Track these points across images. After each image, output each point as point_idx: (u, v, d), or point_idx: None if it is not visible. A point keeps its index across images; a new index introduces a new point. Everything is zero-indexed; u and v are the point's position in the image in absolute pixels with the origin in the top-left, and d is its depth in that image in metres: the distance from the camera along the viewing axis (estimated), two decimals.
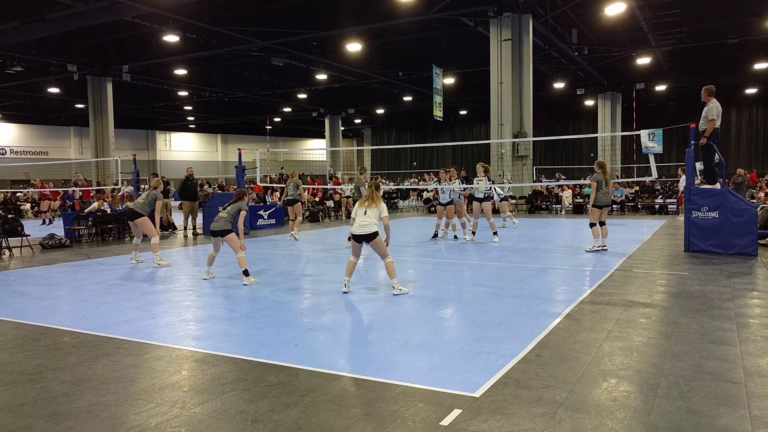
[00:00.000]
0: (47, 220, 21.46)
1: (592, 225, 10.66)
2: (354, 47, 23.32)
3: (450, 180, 13.01)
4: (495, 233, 12.58)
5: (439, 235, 13.30)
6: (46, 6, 18.51)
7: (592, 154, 34.84)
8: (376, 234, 7.15)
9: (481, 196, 12.56)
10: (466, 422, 3.41)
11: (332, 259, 10.60)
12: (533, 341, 5.00)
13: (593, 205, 10.61)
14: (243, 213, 8.56)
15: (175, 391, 4.02)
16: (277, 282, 8.28)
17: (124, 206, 16.39)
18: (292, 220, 14.14)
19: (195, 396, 3.92)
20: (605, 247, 10.71)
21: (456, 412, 3.55)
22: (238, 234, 8.46)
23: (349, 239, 11.52)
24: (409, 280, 8.30)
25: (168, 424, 3.47)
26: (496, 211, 15.66)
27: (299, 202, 14.05)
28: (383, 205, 7.40)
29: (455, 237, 13.07)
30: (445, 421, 3.42)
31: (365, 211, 7.28)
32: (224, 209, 8.53)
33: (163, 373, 4.40)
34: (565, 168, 36.84)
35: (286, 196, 14.12)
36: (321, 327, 5.67)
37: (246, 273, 8.26)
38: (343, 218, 20.98)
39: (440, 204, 13.18)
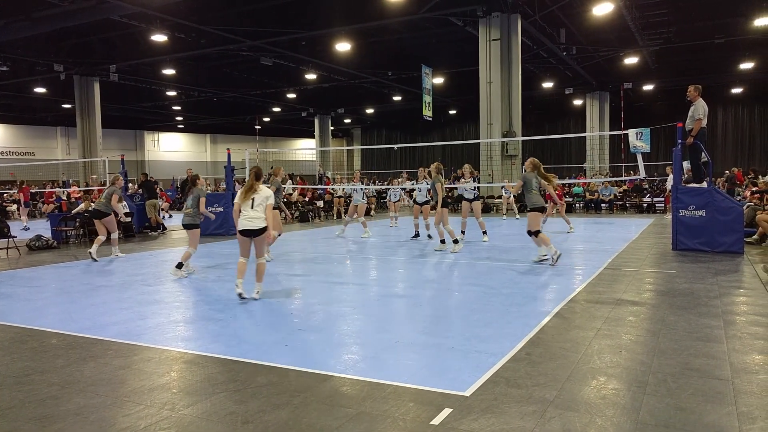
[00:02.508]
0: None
1: (536, 233, 9.10)
2: (343, 47, 23.29)
3: (357, 181, 13.68)
4: (485, 232, 12.60)
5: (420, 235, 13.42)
6: (32, 5, 18.32)
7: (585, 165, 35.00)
8: (265, 229, 6.80)
9: (470, 196, 12.62)
10: (457, 421, 3.42)
11: (322, 259, 10.58)
12: (523, 340, 5.02)
13: (531, 209, 9.15)
14: (202, 200, 8.76)
15: (164, 392, 4.00)
16: (267, 282, 8.25)
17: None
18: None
19: (185, 397, 3.90)
20: (547, 257, 9.24)
21: (446, 411, 3.55)
22: (201, 223, 8.82)
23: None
24: (399, 280, 8.30)
25: (157, 426, 3.45)
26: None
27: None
28: (266, 192, 6.87)
29: (429, 236, 13.14)
30: (436, 421, 3.43)
31: (252, 204, 6.73)
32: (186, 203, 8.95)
33: (152, 375, 4.37)
34: (554, 167, 37.05)
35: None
36: (311, 327, 5.65)
37: (179, 266, 8.61)
38: (334, 218, 20.98)
39: (416, 203, 13.39)
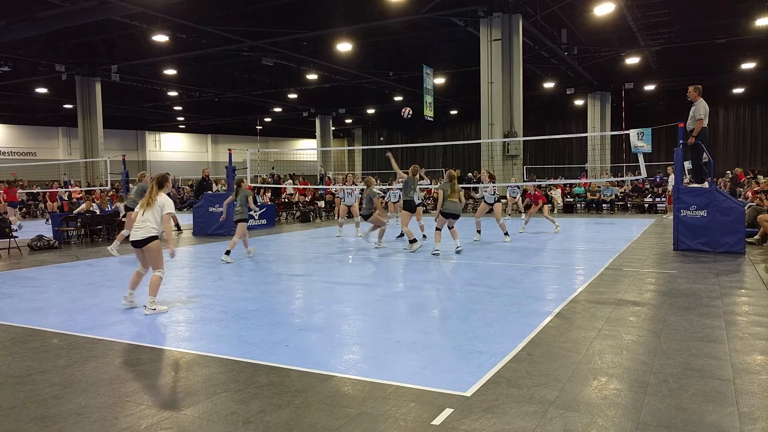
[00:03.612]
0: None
1: (436, 229, 10.81)
2: (344, 47, 23.30)
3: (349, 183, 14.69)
4: (506, 234, 12.75)
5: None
6: (34, 5, 18.35)
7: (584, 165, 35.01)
8: (151, 239, 6.35)
9: (491, 200, 13.13)
10: (458, 421, 3.42)
11: (323, 259, 10.59)
12: (524, 340, 5.02)
13: (440, 212, 10.62)
14: (249, 198, 10.54)
15: (165, 392, 4.00)
16: (268, 282, 8.27)
17: (113, 206, 16.31)
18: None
19: (186, 397, 3.91)
20: (454, 249, 10.79)
21: (447, 411, 3.55)
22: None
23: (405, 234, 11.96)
24: (400, 280, 8.30)
25: (159, 426, 3.45)
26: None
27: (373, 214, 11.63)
28: (162, 200, 6.49)
29: (424, 236, 13.23)
30: (437, 421, 3.43)
31: (143, 212, 6.44)
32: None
33: (153, 375, 4.37)
34: (555, 168, 37.06)
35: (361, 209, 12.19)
36: (312, 327, 5.66)
37: (227, 252, 10.24)
38: (336, 218, 20.95)
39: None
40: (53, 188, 24.31)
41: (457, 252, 10.71)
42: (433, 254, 10.50)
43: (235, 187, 10.79)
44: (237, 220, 10.51)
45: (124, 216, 14.87)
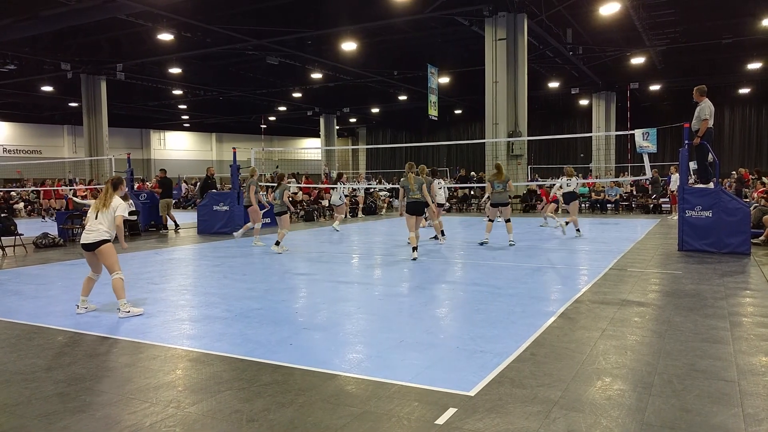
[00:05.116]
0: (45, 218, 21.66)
1: (490, 220, 12.14)
2: (349, 46, 23.29)
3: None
4: (578, 230, 13.24)
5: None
6: (39, 4, 18.38)
7: (582, 155, 35.02)
8: (103, 242, 6.19)
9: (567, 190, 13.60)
10: (461, 421, 3.42)
11: (327, 257, 10.60)
12: (528, 340, 5.01)
13: (491, 203, 11.99)
14: (286, 192, 11.07)
15: (169, 390, 4.01)
16: (272, 281, 8.28)
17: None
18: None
19: (190, 395, 3.92)
20: (486, 241, 11.90)
21: (451, 410, 3.55)
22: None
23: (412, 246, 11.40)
24: (403, 279, 8.30)
25: (163, 424, 3.46)
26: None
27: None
28: (116, 203, 6.30)
29: (435, 237, 12.76)
30: (440, 420, 3.43)
31: (96, 215, 6.24)
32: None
33: (157, 373, 4.38)
34: (560, 167, 36.94)
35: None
36: (316, 326, 5.66)
37: (277, 243, 11.05)
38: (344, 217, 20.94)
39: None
40: (80, 185, 24.46)
41: (510, 245, 11.57)
42: (480, 244, 11.76)
43: (277, 181, 11.63)
44: (278, 213, 11.21)
45: (134, 212, 14.94)
